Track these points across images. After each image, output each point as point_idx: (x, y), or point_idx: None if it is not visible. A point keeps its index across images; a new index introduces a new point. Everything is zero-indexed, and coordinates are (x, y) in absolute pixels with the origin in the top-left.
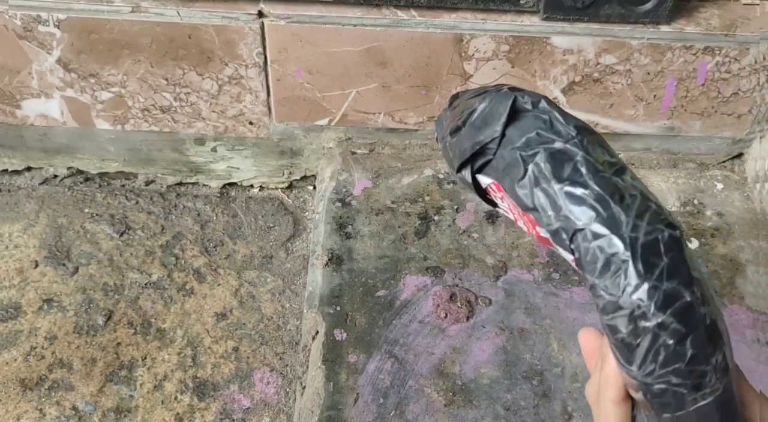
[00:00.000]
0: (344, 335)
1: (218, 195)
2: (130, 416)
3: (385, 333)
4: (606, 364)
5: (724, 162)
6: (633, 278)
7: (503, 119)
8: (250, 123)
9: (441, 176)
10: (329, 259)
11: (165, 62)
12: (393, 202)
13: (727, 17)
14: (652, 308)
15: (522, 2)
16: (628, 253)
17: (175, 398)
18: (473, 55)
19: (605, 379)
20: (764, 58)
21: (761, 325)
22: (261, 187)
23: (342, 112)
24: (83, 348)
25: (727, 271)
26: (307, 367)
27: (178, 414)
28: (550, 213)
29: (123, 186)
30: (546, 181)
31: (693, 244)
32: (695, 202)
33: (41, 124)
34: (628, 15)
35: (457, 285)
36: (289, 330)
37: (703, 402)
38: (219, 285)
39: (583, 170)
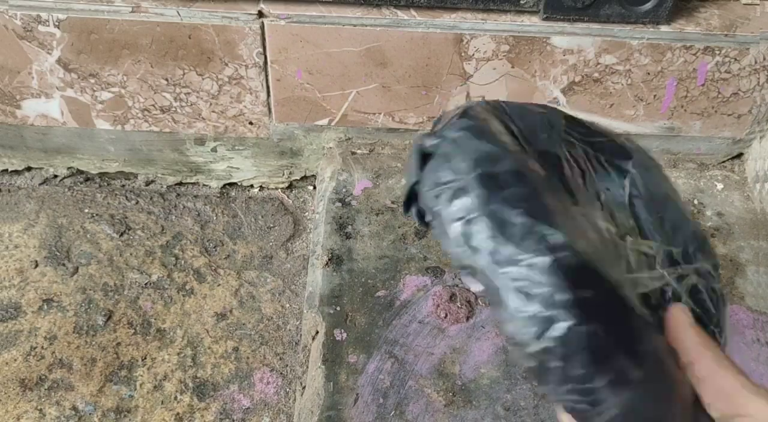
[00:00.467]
0: (344, 335)
1: (218, 195)
2: (129, 416)
3: (385, 333)
4: None
5: (724, 162)
6: (511, 311)
7: (416, 166)
8: (250, 123)
9: None
10: (329, 259)
11: (165, 62)
12: (393, 202)
13: (727, 17)
14: (533, 336)
15: (522, 2)
16: (505, 288)
17: (175, 398)
18: (473, 55)
19: None
20: (764, 58)
21: (761, 325)
22: (261, 187)
23: (342, 112)
24: (83, 348)
25: (727, 271)
26: (307, 367)
27: (177, 414)
28: (450, 252)
29: (123, 186)
30: (447, 221)
31: None
32: (695, 201)
33: (41, 124)
34: (628, 15)
35: (457, 286)
36: (289, 330)
37: (608, 416)
38: (219, 285)
39: (475, 205)
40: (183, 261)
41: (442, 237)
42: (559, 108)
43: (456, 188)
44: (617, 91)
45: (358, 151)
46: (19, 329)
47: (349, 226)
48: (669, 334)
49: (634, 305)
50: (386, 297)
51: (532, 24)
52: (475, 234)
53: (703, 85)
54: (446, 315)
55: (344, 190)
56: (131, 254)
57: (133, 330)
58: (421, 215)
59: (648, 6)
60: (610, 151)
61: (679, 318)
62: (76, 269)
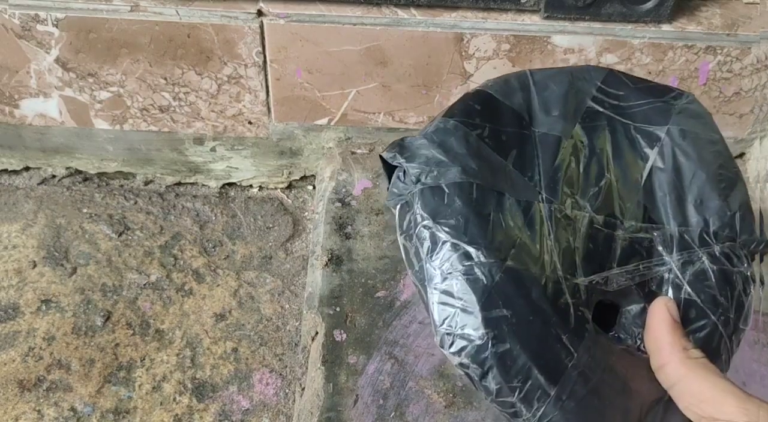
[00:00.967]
0: (344, 336)
1: (217, 195)
2: (128, 417)
3: (385, 334)
4: None
5: None
6: (435, 327)
7: (388, 179)
8: (250, 122)
9: None
10: (329, 260)
11: (164, 62)
12: None
13: (728, 16)
14: (450, 353)
15: (523, 1)
16: (430, 305)
17: (174, 399)
18: (474, 54)
19: None
20: (766, 58)
21: (762, 326)
22: (260, 187)
23: (342, 111)
24: (81, 348)
25: None
26: (307, 368)
27: (176, 415)
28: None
29: (122, 186)
30: (397, 234)
31: None
32: None
33: (40, 123)
34: (629, 14)
35: None
36: (289, 331)
37: None
38: (218, 285)
39: (413, 224)
40: (182, 262)
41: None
42: (606, 67)
43: (403, 202)
44: None
45: (358, 151)
46: (18, 330)
47: (349, 226)
48: (647, 333)
49: (568, 317)
50: (386, 297)
51: (532, 23)
52: (410, 249)
53: (704, 84)
54: None
55: (344, 189)
56: (130, 254)
57: (131, 331)
58: None
59: (649, 5)
60: (644, 117)
61: (655, 316)
62: (75, 269)
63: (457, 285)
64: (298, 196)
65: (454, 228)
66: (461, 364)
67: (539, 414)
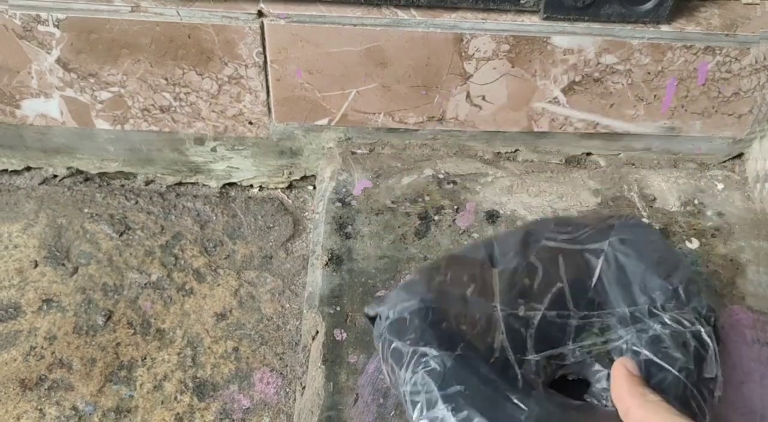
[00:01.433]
0: (344, 335)
1: (218, 195)
2: (130, 416)
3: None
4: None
5: (724, 162)
6: (411, 420)
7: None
8: (250, 123)
9: (441, 176)
10: (329, 259)
11: (165, 62)
12: (393, 202)
13: (727, 17)
14: None
15: (522, 2)
16: (405, 405)
17: (175, 398)
18: (473, 54)
19: None
20: (765, 58)
21: (761, 326)
22: (261, 187)
23: (342, 112)
24: (83, 348)
25: (728, 271)
26: (307, 367)
27: (177, 414)
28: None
29: (122, 186)
30: (382, 361)
31: (693, 244)
32: (696, 201)
33: (41, 123)
34: (628, 14)
35: None
36: (289, 330)
37: None
38: (219, 285)
39: (387, 348)
40: (183, 261)
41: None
42: (554, 217)
43: (381, 337)
44: (617, 90)
45: (358, 151)
46: (19, 329)
47: (349, 226)
48: (611, 388)
49: (516, 383)
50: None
51: (532, 24)
52: (388, 369)
53: (703, 84)
54: None
55: (344, 189)
56: (131, 254)
57: (132, 330)
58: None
59: (648, 5)
60: (589, 239)
61: (615, 372)
62: (76, 269)
63: (420, 379)
64: (299, 196)
65: (412, 339)
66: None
67: None
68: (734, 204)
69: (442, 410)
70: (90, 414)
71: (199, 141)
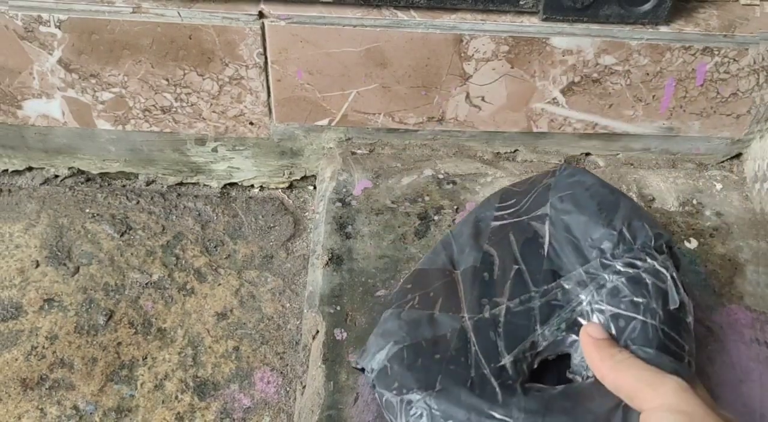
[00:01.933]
0: (344, 335)
1: (219, 195)
2: (130, 415)
3: None
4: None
5: (723, 162)
6: None
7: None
8: (251, 123)
9: (441, 176)
10: (329, 259)
11: (166, 63)
12: (393, 202)
13: (726, 18)
14: None
15: (521, 3)
16: None
17: (176, 397)
18: (473, 55)
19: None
20: (763, 59)
21: (760, 325)
22: (261, 187)
23: (342, 112)
24: (84, 347)
25: (726, 271)
26: (308, 367)
27: (178, 413)
28: None
29: (124, 186)
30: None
31: (692, 244)
32: (694, 202)
33: (42, 124)
34: (627, 15)
35: None
36: (290, 329)
37: None
38: (219, 284)
39: (382, 400)
40: (184, 261)
41: None
42: (499, 191)
43: (374, 390)
44: (616, 91)
45: (358, 151)
46: (20, 329)
47: (349, 226)
48: (587, 361)
49: (495, 397)
50: (386, 296)
51: (531, 24)
52: (387, 418)
53: (702, 85)
54: None
55: (344, 190)
56: (132, 254)
57: (134, 330)
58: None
59: (647, 6)
60: (533, 207)
61: (583, 342)
62: (77, 269)
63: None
64: (299, 196)
65: (397, 388)
66: None
67: None
68: (732, 204)
69: None
70: (91, 413)
71: (200, 141)
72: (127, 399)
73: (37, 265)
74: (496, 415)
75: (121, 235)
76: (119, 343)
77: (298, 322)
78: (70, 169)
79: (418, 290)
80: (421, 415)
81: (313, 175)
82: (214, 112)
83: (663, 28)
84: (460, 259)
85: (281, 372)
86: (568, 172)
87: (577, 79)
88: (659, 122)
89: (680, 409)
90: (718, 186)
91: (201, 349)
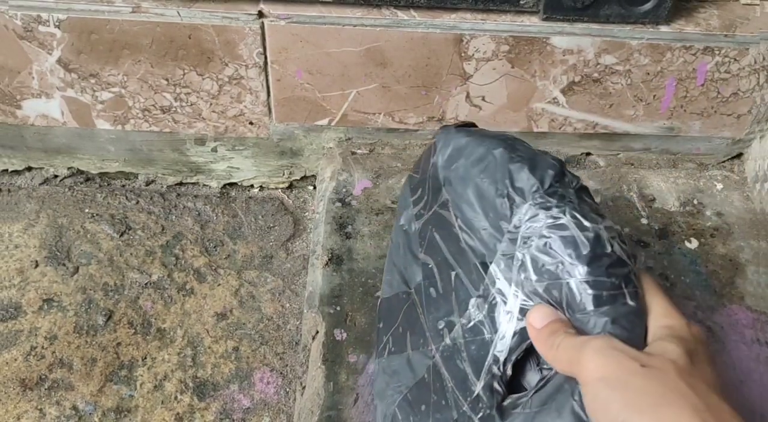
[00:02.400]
0: (344, 335)
1: (218, 195)
2: (130, 416)
3: None
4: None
5: (723, 162)
6: None
7: None
8: (251, 123)
9: None
10: (329, 259)
11: (165, 62)
12: (393, 202)
13: (726, 17)
14: None
15: (522, 2)
16: None
17: (175, 398)
18: (473, 55)
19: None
20: (763, 59)
21: (761, 325)
22: (261, 187)
23: (342, 112)
24: (83, 348)
25: (727, 271)
26: (307, 367)
27: (178, 413)
28: None
29: (123, 186)
30: None
31: (693, 244)
32: (695, 201)
33: (42, 124)
34: (627, 15)
35: None
36: (289, 330)
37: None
38: (219, 285)
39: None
40: (183, 261)
41: None
42: (409, 188)
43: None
44: (617, 91)
45: (358, 151)
46: (20, 329)
47: (349, 226)
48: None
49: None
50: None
51: (531, 24)
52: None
53: (702, 85)
54: None
55: (344, 190)
56: (131, 254)
57: (133, 330)
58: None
59: (647, 6)
60: (435, 193)
61: (531, 337)
62: (77, 269)
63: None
64: (299, 196)
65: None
66: None
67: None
68: (733, 204)
69: None
70: (90, 413)
71: (200, 141)
72: (126, 400)
73: (37, 265)
74: None
75: (121, 235)
76: (118, 343)
77: (297, 323)
78: (69, 168)
79: (389, 328)
80: None
81: (312, 175)
82: (213, 111)
83: (663, 28)
84: (407, 275)
85: (281, 373)
86: (443, 142)
87: (577, 79)
88: (660, 122)
89: (598, 376)
90: (719, 186)
91: (200, 350)
